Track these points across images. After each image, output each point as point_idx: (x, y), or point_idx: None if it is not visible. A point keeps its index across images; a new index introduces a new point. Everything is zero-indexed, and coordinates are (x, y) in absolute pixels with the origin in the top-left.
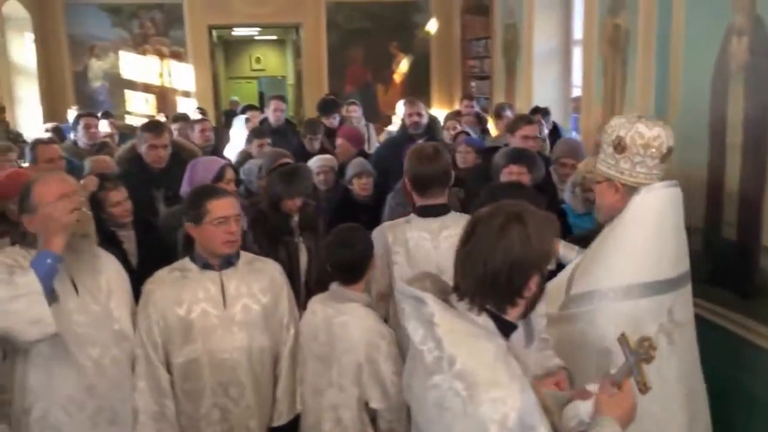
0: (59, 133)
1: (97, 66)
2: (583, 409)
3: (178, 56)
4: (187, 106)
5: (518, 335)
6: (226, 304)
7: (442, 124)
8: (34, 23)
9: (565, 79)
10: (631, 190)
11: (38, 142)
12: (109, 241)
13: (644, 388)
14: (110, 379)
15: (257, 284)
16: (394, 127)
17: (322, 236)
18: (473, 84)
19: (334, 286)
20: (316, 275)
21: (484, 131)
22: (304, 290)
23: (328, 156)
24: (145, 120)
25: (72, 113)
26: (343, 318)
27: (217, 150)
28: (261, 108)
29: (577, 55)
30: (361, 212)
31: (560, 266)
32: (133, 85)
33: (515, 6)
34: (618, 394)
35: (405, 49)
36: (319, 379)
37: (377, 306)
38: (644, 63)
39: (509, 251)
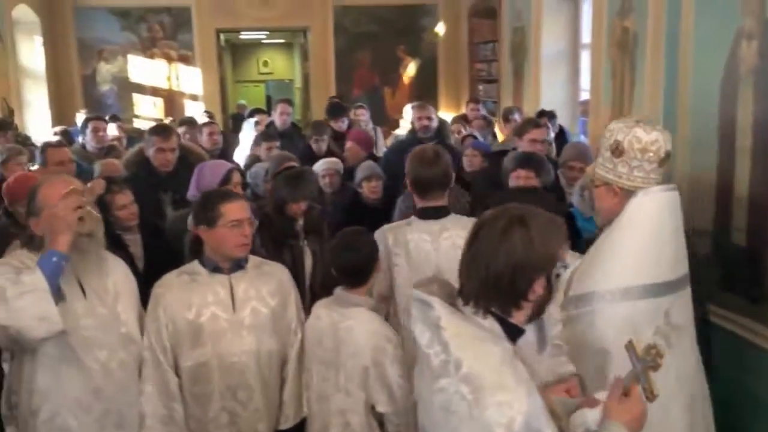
0: (68, 137)
1: (105, 69)
2: (590, 416)
3: (185, 60)
4: (195, 110)
5: (530, 341)
6: (236, 307)
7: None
8: (44, 27)
9: (573, 82)
10: (628, 193)
11: (48, 145)
12: (116, 244)
13: (651, 395)
14: (117, 382)
15: (265, 287)
16: (402, 130)
17: (326, 240)
18: (481, 87)
19: (339, 291)
20: (320, 279)
21: (493, 135)
22: (308, 294)
23: (333, 159)
24: (153, 123)
25: (80, 117)
26: (349, 323)
27: (225, 153)
28: (268, 111)
29: (585, 58)
30: (370, 215)
31: None
32: (141, 89)
33: (523, 9)
34: (626, 401)
35: (412, 53)
36: (325, 384)
37: (378, 307)
38: (653, 66)
39: (511, 254)
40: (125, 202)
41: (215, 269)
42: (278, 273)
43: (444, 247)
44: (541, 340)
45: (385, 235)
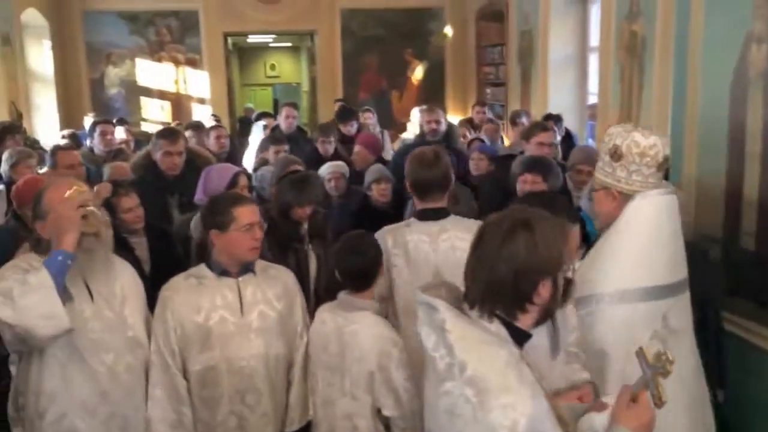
0: (75, 140)
1: (113, 73)
2: (597, 421)
3: (193, 63)
4: (202, 113)
5: (543, 346)
6: (243, 311)
7: None
8: (52, 31)
9: (581, 86)
10: (627, 197)
11: (58, 149)
12: (122, 247)
13: (659, 402)
14: (123, 386)
15: (272, 291)
16: (409, 134)
17: (330, 243)
18: (488, 91)
19: (343, 295)
20: (325, 283)
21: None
22: (313, 298)
23: (339, 162)
24: (161, 127)
25: (88, 120)
26: (354, 327)
27: (232, 157)
28: (275, 115)
29: (593, 61)
30: (379, 219)
31: None
32: (148, 92)
33: (530, 12)
34: (635, 407)
35: (419, 56)
36: (330, 388)
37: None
38: (661, 70)
39: (514, 257)
40: (131, 205)
41: (223, 273)
42: (284, 276)
43: (443, 248)
44: (554, 346)
45: (384, 237)
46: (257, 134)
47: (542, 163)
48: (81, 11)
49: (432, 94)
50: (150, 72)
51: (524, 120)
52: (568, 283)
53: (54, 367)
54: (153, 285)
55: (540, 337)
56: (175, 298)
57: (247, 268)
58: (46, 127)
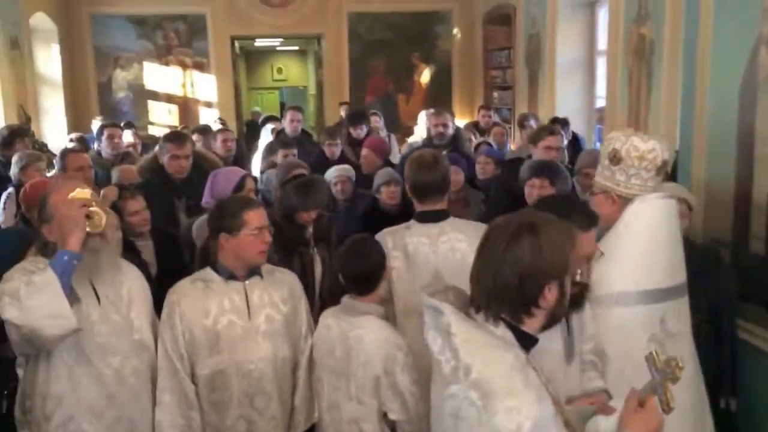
0: (83, 143)
1: (121, 77)
2: (604, 425)
3: (200, 67)
4: (210, 117)
5: (558, 351)
6: (251, 314)
7: None
8: (61, 35)
9: (588, 89)
10: (626, 201)
11: (68, 151)
12: (128, 250)
13: (667, 408)
14: (130, 389)
15: (277, 294)
16: (415, 137)
17: (335, 247)
18: (495, 94)
19: (346, 299)
20: (329, 286)
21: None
22: (318, 302)
23: (345, 166)
24: (168, 130)
25: (96, 123)
26: (358, 332)
27: (238, 160)
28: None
29: (601, 65)
30: (388, 222)
31: None
32: (156, 96)
33: (538, 16)
34: (643, 412)
35: (426, 60)
36: (336, 393)
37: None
38: (670, 73)
39: (519, 261)
40: (137, 208)
41: (230, 276)
42: (289, 279)
43: (442, 250)
44: (569, 352)
45: (384, 239)
46: (266, 138)
47: (550, 168)
48: (89, 15)
49: (439, 98)
50: (157, 75)
51: (532, 123)
52: (584, 287)
53: (61, 370)
54: (159, 288)
55: (554, 342)
56: (183, 302)
57: (253, 272)
58: (54, 131)
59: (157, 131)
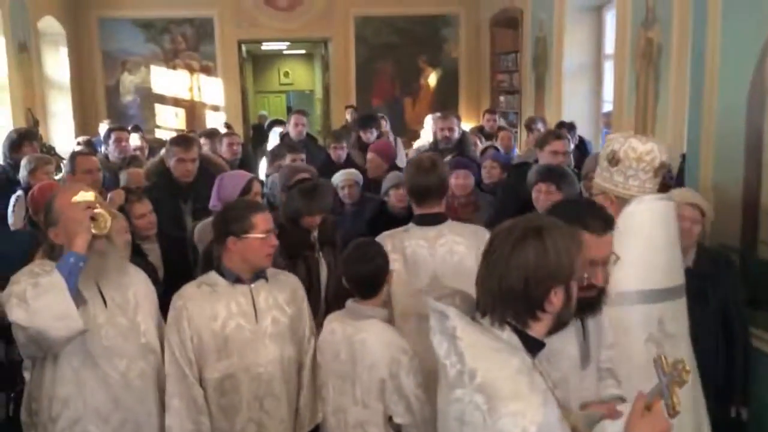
0: (91, 147)
1: (128, 80)
2: (610, 429)
3: (207, 71)
4: (216, 121)
5: (574, 356)
6: (258, 317)
7: None
8: (69, 38)
9: (595, 94)
10: (624, 202)
11: (78, 154)
12: (135, 253)
13: (673, 411)
14: (136, 392)
15: (282, 296)
16: (422, 142)
17: (340, 251)
18: (502, 98)
19: (351, 303)
20: (333, 290)
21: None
22: (323, 305)
23: (352, 170)
24: (175, 134)
25: (103, 127)
26: (363, 335)
27: (244, 164)
28: None
29: (608, 69)
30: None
31: None
32: (163, 100)
33: (545, 19)
34: (649, 415)
35: (433, 64)
36: (341, 397)
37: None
38: (677, 78)
39: (524, 265)
40: (144, 211)
41: (237, 280)
42: (291, 282)
43: (440, 252)
44: (585, 357)
45: (383, 242)
46: (274, 142)
47: (556, 173)
48: (97, 18)
49: (446, 102)
50: (164, 79)
51: (540, 126)
52: (602, 291)
53: (67, 372)
54: (167, 291)
55: (570, 346)
56: (191, 306)
57: (258, 275)
58: (62, 134)
59: (164, 135)
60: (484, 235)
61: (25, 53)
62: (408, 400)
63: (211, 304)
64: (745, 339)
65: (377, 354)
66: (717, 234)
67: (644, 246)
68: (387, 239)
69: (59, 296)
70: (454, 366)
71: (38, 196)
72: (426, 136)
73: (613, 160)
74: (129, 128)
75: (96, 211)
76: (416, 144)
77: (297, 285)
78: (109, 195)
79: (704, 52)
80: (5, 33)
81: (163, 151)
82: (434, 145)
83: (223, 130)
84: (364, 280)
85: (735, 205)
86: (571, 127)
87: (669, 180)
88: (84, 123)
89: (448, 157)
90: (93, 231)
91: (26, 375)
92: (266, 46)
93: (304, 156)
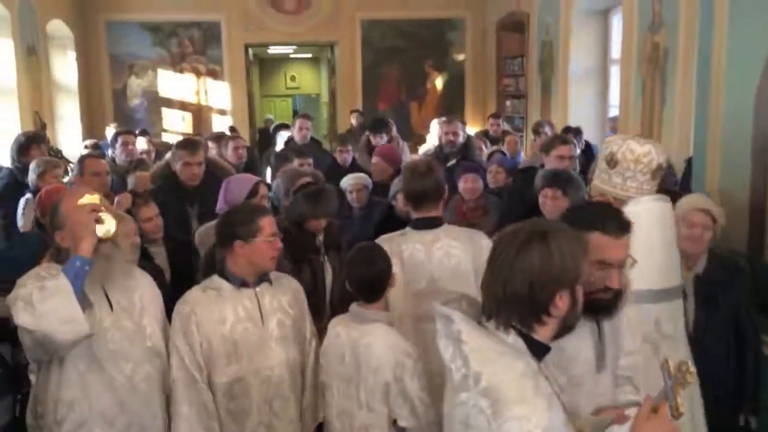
0: (98, 150)
1: (135, 84)
2: None
3: (214, 74)
4: (223, 124)
5: (589, 360)
6: (264, 320)
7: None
8: (77, 42)
9: (602, 98)
10: (622, 203)
11: (86, 157)
12: (141, 256)
13: (676, 413)
14: (141, 395)
15: (285, 299)
16: (428, 146)
17: (345, 254)
18: (508, 103)
19: (354, 307)
20: (339, 294)
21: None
22: (328, 309)
23: (361, 174)
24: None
25: (110, 130)
26: (367, 339)
27: (250, 167)
28: None
29: (614, 73)
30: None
31: None
32: (170, 103)
33: (551, 23)
34: (655, 418)
35: (439, 68)
36: (346, 401)
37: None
38: (684, 82)
39: (529, 269)
40: (150, 215)
41: (242, 284)
42: (293, 284)
43: (437, 256)
44: (600, 360)
45: (381, 246)
46: (280, 146)
47: (562, 178)
48: (105, 22)
49: (452, 106)
50: (171, 83)
51: (547, 130)
52: (618, 293)
53: (73, 375)
54: (174, 293)
55: (585, 350)
56: (199, 311)
57: (262, 278)
58: (70, 138)
59: (170, 138)
60: (480, 239)
61: (33, 56)
62: (412, 403)
63: (219, 309)
64: (756, 346)
65: (382, 357)
66: (723, 239)
67: (641, 247)
68: (384, 243)
69: (65, 300)
70: (459, 370)
71: (45, 199)
72: (432, 140)
73: (612, 162)
74: (137, 132)
75: (101, 214)
76: (422, 149)
77: (298, 287)
78: (116, 198)
79: (711, 56)
80: (14, 36)
81: (168, 154)
82: (439, 149)
83: (228, 134)
84: (367, 283)
85: (742, 210)
86: (577, 131)
87: (673, 185)
88: (91, 126)
89: (453, 161)
90: (99, 235)
91: (32, 378)
92: (273, 50)
93: (311, 160)
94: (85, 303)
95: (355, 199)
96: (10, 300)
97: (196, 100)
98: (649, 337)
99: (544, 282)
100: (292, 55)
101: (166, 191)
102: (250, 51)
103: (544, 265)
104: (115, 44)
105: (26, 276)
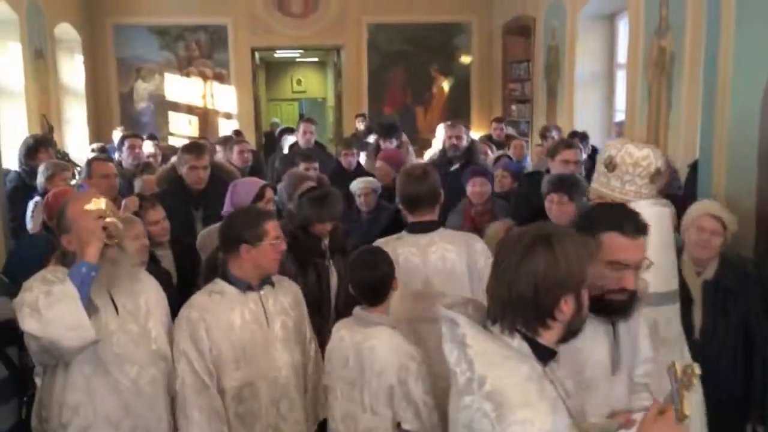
0: (104, 154)
1: (142, 88)
2: None
3: (220, 78)
4: (229, 128)
5: (604, 364)
6: (269, 323)
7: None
8: (84, 45)
9: (608, 102)
10: None
11: (95, 159)
12: (149, 259)
13: (681, 416)
14: (146, 398)
15: (286, 300)
16: (434, 150)
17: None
18: (514, 107)
19: (358, 310)
20: (344, 298)
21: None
22: (333, 313)
23: (370, 178)
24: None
25: (117, 134)
26: (371, 342)
27: (255, 171)
28: None
29: (620, 78)
30: None
31: None
32: (176, 107)
33: (558, 27)
34: (661, 420)
35: (445, 72)
36: (350, 404)
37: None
38: (690, 86)
39: (533, 273)
40: (157, 218)
41: (248, 287)
42: (292, 286)
43: (432, 259)
44: (615, 362)
45: None
46: (287, 150)
47: (568, 182)
48: (112, 25)
49: (457, 111)
50: (178, 87)
51: (554, 134)
52: (633, 295)
53: (78, 379)
54: (181, 296)
55: (600, 353)
56: (208, 318)
57: (265, 281)
58: (76, 141)
59: (177, 142)
60: (475, 243)
61: (41, 60)
62: (417, 406)
63: (226, 314)
64: (765, 353)
65: (386, 361)
66: (730, 244)
67: None
68: (380, 247)
69: (72, 306)
70: (463, 373)
71: (52, 202)
72: (438, 145)
73: (610, 165)
74: (145, 136)
75: (108, 220)
76: (427, 153)
77: (297, 289)
78: (123, 201)
79: (717, 60)
80: (22, 39)
81: (174, 158)
82: (442, 153)
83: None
84: (370, 287)
85: (748, 215)
86: (583, 136)
87: (677, 190)
88: (98, 130)
89: (456, 165)
90: (105, 240)
91: (38, 381)
92: (279, 54)
93: (317, 164)
94: (91, 309)
95: (364, 202)
96: (16, 304)
97: (202, 104)
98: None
99: (548, 286)
100: (298, 59)
101: (171, 194)
102: (257, 55)
103: (549, 269)
104: (122, 48)
105: (32, 279)
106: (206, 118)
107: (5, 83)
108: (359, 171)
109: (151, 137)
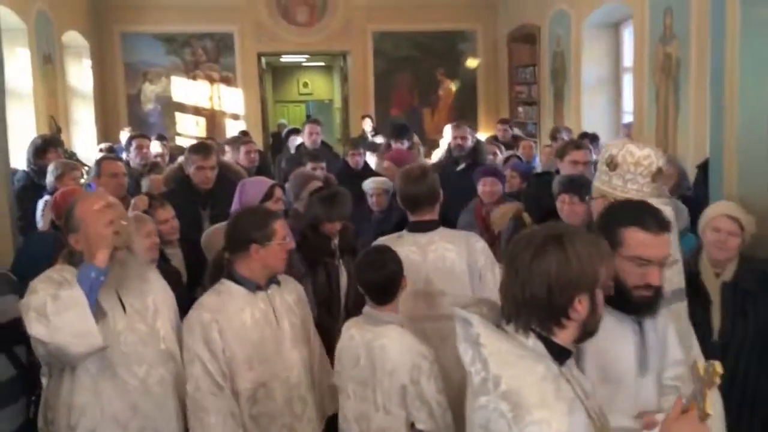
0: (112, 153)
1: (149, 90)
2: None
3: (227, 81)
4: (236, 129)
5: (630, 363)
6: (278, 322)
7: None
8: (92, 51)
9: (615, 106)
10: None
11: (104, 158)
12: (159, 257)
13: (703, 414)
14: (155, 399)
15: (291, 298)
16: (441, 151)
17: None
18: (521, 109)
19: (368, 309)
20: (354, 297)
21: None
22: (343, 313)
23: (382, 178)
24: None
25: (124, 134)
26: (382, 341)
27: (262, 171)
28: None
29: (627, 80)
30: None
31: None
32: (183, 108)
33: (562, 35)
34: (683, 418)
35: (451, 76)
36: (363, 404)
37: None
38: (697, 91)
39: (546, 273)
40: (166, 217)
41: (257, 287)
42: (295, 284)
43: (431, 258)
44: (643, 364)
45: None
46: (294, 150)
47: (578, 183)
48: (120, 33)
49: (464, 112)
50: (185, 89)
51: (564, 136)
52: (658, 291)
53: (85, 380)
54: (191, 295)
55: (627, 352)
56: (221, 319)
57: (271, 280)
58: (84, 141)
59: (184, 143)
60: (475, 242)
61: (50, 65)
62: (430, 405)
63: (238, 315)
64: None
65: (398, 360)
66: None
67: None
68: (388, 246)
69: (80, 313)
70: (478, 373)
71: (61, 201)
72: (445, 146)
73: (612, 164)
74: (154, 137)
75: (120, 224)
76: (435, 154)
77: (299, 287)
78: (132, 201)
79: (723, 64)
80: (30, 46)
81: (181, 158)
82: (448, 154)
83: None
84: (378, 286)
85: (760, 218)
86: (593, 137)
87: (687, 190)
88: (106, 130)
89: (462, 165)
90: (115, 244)
91: (44, 380)
92: (285, 58)
93: (324, 164)
94: (98, 313)
95: (376, 202)
96: (23, 307)
97: (209, 105)
98: None
99: (562, 286)
100: (304, 64)
101: (178, 194)
102: (263, 59)
103: (561, 269)
104: (129, 53)
105: (37, 279)
106: (213, 119)
107: (14, 86)
108: (366, 171)
109: (160, 138)
